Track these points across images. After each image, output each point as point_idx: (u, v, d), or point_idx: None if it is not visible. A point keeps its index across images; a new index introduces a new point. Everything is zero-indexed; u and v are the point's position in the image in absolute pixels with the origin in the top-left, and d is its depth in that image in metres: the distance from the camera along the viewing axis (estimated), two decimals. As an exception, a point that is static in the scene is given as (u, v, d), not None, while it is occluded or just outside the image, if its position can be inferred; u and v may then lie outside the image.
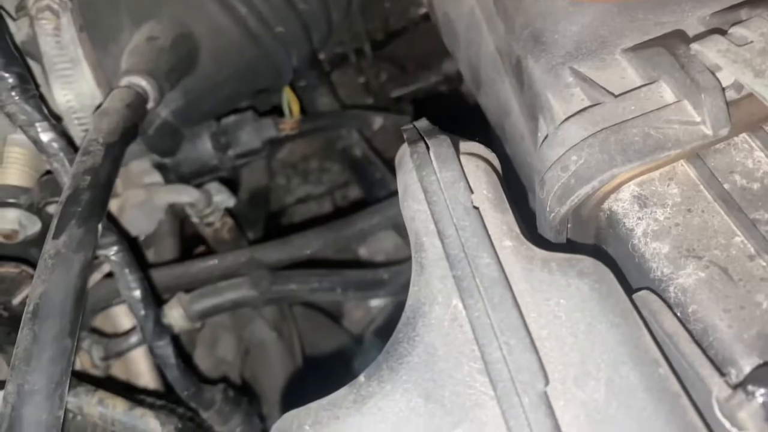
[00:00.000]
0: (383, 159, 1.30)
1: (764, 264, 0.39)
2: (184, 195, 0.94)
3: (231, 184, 1.08)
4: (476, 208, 0.40)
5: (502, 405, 0.34)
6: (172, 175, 0.98)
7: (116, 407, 0.68)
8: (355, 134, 1.27)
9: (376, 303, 1.23)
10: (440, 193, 0.40)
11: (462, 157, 0.43)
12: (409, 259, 1.10)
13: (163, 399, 0.80)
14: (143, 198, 0.93)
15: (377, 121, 1.27)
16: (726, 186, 0.42)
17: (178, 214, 1.09)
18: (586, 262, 0.39)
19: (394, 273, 1.01)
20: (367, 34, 1.42)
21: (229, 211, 1.06)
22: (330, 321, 1.21)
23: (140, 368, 0.94)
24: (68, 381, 0.50)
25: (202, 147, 0.97)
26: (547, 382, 0.34)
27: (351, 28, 1.38)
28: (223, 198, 0.99)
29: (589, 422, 0.34)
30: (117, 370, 0.94)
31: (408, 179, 0.44)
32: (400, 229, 1.15)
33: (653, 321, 0.39)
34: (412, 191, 0.43)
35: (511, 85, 0.59)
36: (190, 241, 1.10)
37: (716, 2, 0.48)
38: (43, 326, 0.50)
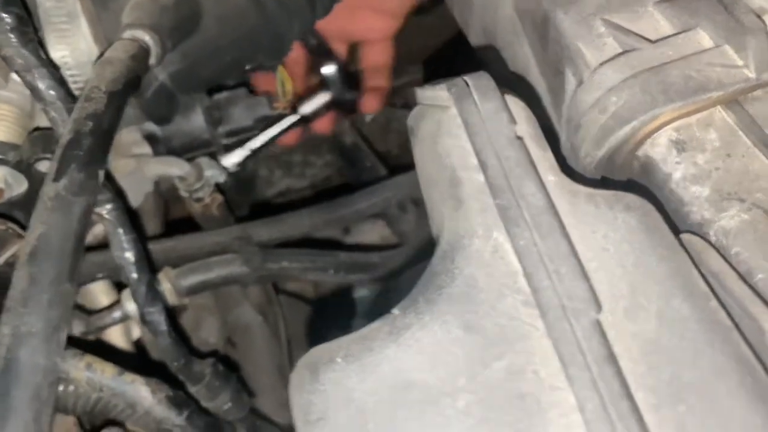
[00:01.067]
0: (373, 149, 1.29)
1: (809, 206, 0.38)
2: (175, 167, 0.91)
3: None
4: (520, 138, 0.38)
5: (553, 333, 0.33)
6: (162, 148, 0.95)
7: (105, 372, 0.64)
8: (347, 122, 1.26)
9: (360, 294, 1.21)
10: (482, 123, 0.39)
11: (508, 97, 0.42)
12: (399, 246, 1.08)
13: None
14: (132, 168, 0.90)
15: (369, 112, 1.25)
16: (767, 131, 0.41)
17: (162, 194, 1.06)
18: (632, 197, 0.38)
19: (386, 257, 0.99)
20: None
21: (219, 189, 1.03)
22: (313, 311, 1.19)
23: (122, 344, 0.90)
24: (66, 327, 0.47)
25: (195, 120, 0.95)
26: (599, 310, 0.33)
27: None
28: (214, 173, 0.96)
29: (642, 353, 0.33)
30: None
31: (441, 117, 0.42)
32: (389, 217, 1.14)
33: (699, 261, 0.38)
34: (446, 127, 0.41)
35: (531, 46, 0.58)
36: (175, 224, 1.07)
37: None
38: (42, 268, 0.47)
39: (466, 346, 0.34)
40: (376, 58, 1.01)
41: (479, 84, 0.40)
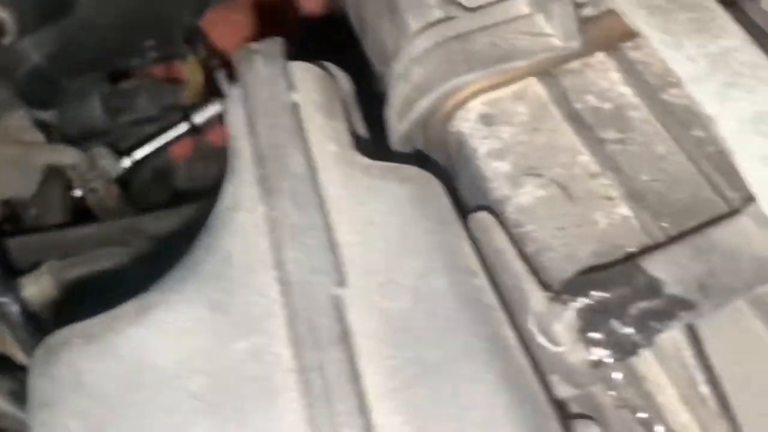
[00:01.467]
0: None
1: (607, 182, 0.36)
2: (65, 156, 0.87)
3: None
4: (295, 104, 0.35)
5: (290, 310, 0.30)
6: (56, 136, 0.91)
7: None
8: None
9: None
10: (260, 90, 0.36)
11: (296, 64, 0.39)
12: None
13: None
14: (19, 155, 0.86)
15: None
16: (578, 105, 0.38)
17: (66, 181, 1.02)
18: (410, 169, 0.35)
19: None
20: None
21: (122, 183, 1.00)
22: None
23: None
24: None
25: (91, 108, 0.91)
26: (342, 284, 0.30)
27: None
28: (109, 163, 0.92)
29: (390, 331, 0.30)
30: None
31: (233, 86, 0.39)
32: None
33: (486, 241, 0.35)
34: (234, 94, 0.38)
35: (389, 23, 0.55)
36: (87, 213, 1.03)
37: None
38: None
39: (210, 326, 0.31)
40: None
41: (266, 50, 0.37)
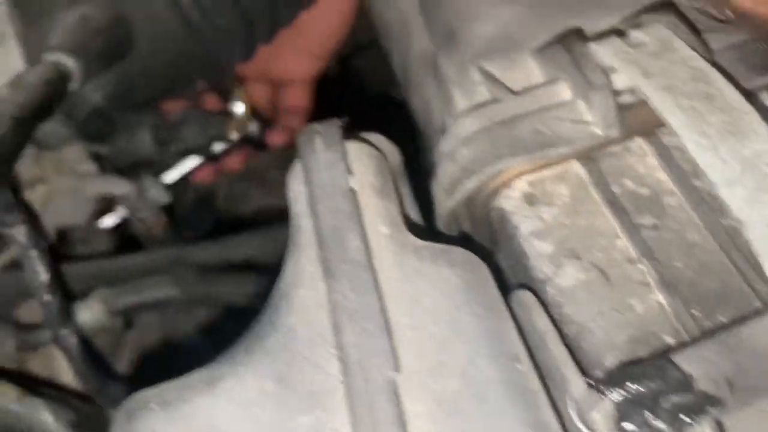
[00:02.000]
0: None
1: (643, 268, 0.38)
2: (116, 187, 0.92)
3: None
4: (353, 190, 0.38)
5: (349, 390, 0.33)
6: (108, 166, 0.95)
7: (7, 395, 0.65)
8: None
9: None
10: (320, 173, 0.39)
11: (351, 143, 0.42)
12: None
13: (81, 396, 0.77)
14: (72, 186, 0.90)
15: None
16: (615, 189, 0.41)
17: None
18: (459, 252, 0.37)
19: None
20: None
21: (168, 211, 1.04)
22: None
23: (61, 364, 0.90)
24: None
25: (142, 139, 0.95)
26: (397, 368, 0.33)
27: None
28: (158, 193, 0.96)
29: (442, 413, 0.32)
30: (36, 366, 0.90)
31: (296, 162, 0.42)
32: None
33: (528, 320, 0.38)
34: (296, 172, 0.41)
35: (433, 85, 0.58)
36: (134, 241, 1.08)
37: (629, 9, 0.48)
38: None
39: (277, 399, 0.34)
40: (294, 101, 1.01)
41: (326, 132, 0.41)
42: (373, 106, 1.42)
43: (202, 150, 1.04)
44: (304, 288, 0.37)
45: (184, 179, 1.21)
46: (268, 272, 1.04)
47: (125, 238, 1.09)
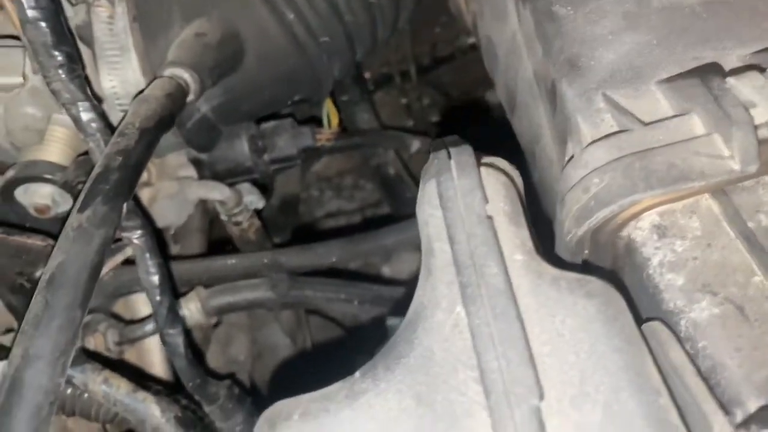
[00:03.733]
0: (417, 181, 1.30)
1: (782, 306, 0.38)
2: (216, 192, 0.95)
3: (264, 189, 1.10)
4: (490, 218, 0.39)
5: (494, 416, 0.34)
6: (206, 172, 0.99)
7: (120, 388, 0.69)
8: (391, 153, 1.28)
9: (392, 322, 1.22)
10: (456, 199, 0.40)
11: (482, 169, 0.43)
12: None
13: (171, 390, 0.80)
14: (176, 190, 0.94)
15: (415, 144, 1.27)
16: (750, 224, 0.41)
17: (208, 213, 1.11)
18: (596, 283, 0.38)
19: (412, 291, 1.01)
20: (413, 57, 1.44)
21: (257, 214, 1.07)
22: (345, 335, 1.21)
23: (153, 358, 0.94)
24: (73, 351, 0.50)
25: (239, 147, 0.99)
26: (541, 397, 0.34)
27: (398, 50, 1.39)
28: (253, 199, 1.00)
29: (581, 444, 0.33)
30: (131, 358, 0.95)
31: (427, 185, 0.44)
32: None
33: (661, 352, 0.38)
34: (429, 196, 0.43)
35: (545, 110, 0.59)
36: (219, 241, 1.12)
37: (758, 42, 0.48)
38: (56, 295, 0.51)
39: (416, 417, 0.36)
40: None
41: (459, 159, 0.42)
42: (456, 116, 1.43)
43: (293, 158, 1.07)
44: (440, 310, 0.38)
45: (269, 186, 1.25)
46: (349, 277, 1.06)
47: (213, 240, 1.13)
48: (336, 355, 1.11)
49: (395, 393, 0.36)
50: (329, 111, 1.10)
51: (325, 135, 1.09)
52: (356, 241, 1.01)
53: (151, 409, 0.68)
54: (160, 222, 0.95)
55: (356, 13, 0.82)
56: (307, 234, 1.35)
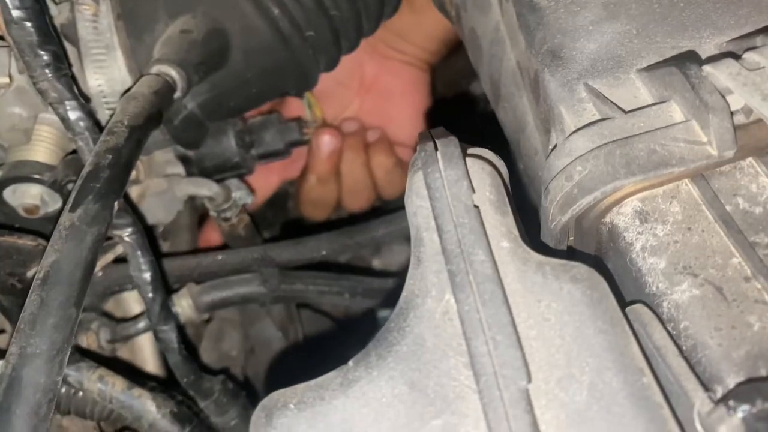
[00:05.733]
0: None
1: (759, 286, 0.39)
2: (205, 188, 0.96)
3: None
4: (477, 207, 0.40)
5: (483, 398, 0.35)
6: (194, 169, 0.99)
7: (115, 385, 0.69)
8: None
9: (383, 314, 1.23)
10: (443, 190, 0.41)
11: (468, 159, 0.44)
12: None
13: (165, 387, 0.81)
14: (164, 187, 0.95)
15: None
16: (728, 208, 0.42)
17: (197, 209, 1.11)
18: (581, 268, 0.39)
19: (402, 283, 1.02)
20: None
21: (246, 210, 1.08)
22: (336, 328, 1.22)
23: (146, 355, 0.95)
24: (69, 349, 0.51)
25: (226, 143, 0.99)
26: (529, 379, 0.35)
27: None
28: (242, 195, 1.00)
29: (568, 423, 0.34)
30: (124, 356, 0.95)
31: (414, 177, 0.45)
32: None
33: (644, 334, 0.39)
34: (416, 188, 0.43)
35: (528, 100, 0.60)
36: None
37: (736, 30, 0.49)
38: (51, 293, 0.51)
39: (409, 402, 0.37)
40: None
41: (446, 150, 0.43)
42: (442, 108, 1.44)
43: (280, 154, 1.08)
44: (430, 298, 0.39)
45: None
46: (339, 270, 1.07)
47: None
48: (328, 347, 1.13)
49: (388, 380, 0.37)
50: (312, 103, 1.11)
51: (311, 129, 1.10)
52: (346, 234, 1.02)
53: (147, 405, 0.69)
54: (150, 219, 0.95)
55: (341, 7, 0.83)
56: (297, 228, 1.36)
